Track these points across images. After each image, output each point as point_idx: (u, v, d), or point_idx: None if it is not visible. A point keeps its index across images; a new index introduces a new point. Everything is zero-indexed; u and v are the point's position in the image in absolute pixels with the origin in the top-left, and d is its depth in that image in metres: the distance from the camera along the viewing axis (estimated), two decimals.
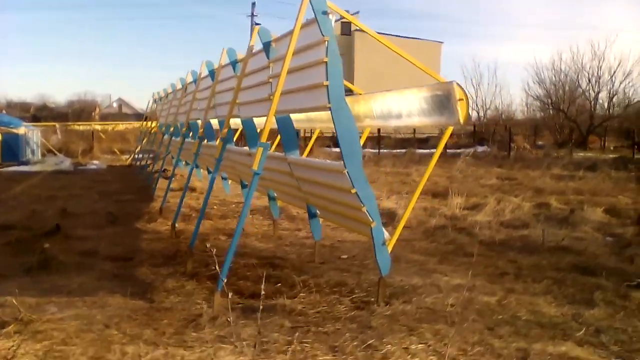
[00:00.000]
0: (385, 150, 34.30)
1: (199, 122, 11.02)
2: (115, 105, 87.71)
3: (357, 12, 51.68)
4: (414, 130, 44.76)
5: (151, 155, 26.72)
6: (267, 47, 7.16)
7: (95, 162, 24.73)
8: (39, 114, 63.08)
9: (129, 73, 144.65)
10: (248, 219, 11.13)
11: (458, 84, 5.63)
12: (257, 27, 7.22)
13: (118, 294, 6.03)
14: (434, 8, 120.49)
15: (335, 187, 6.08)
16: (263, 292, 6.34)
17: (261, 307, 4.67)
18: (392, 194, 14.53)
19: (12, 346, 4.41)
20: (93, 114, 68.23)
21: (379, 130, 41.80)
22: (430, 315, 5.59)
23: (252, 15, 48.72)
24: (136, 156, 26.87)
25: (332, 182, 6.10)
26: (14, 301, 5.09)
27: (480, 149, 36.62)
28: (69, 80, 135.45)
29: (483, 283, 6.88)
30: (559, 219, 11.32)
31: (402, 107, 6.68)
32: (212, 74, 10.20)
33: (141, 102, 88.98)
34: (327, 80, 5.42)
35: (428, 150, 35.22)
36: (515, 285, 6.82)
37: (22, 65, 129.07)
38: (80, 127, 34.86)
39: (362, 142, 8.53)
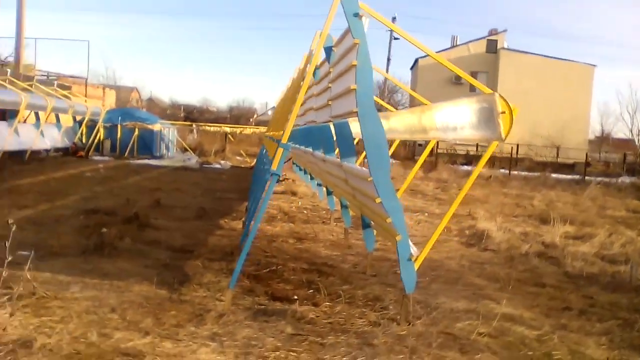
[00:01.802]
0: (517, 172, 32.62)
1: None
2: (270, 112, 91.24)
3: (505, 30, 50.03)
4: (557, 153, 42.43)
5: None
6: (328, 52, 7.02)
7: (222, 162, 25.75)
8: (200, 116, 67.02)
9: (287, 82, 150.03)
10: (328, 227, 11.01)
11: (501, 96, 5.17)
12: (317, 32, 7.08)
13: (147, 282, 6.14)
14: (590, 30, 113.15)
15: (367, 195, 5.81)
16: (295, 298, 6.28)
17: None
18: (498, 215, 13.71)
19: (8, 315, 4.61)
20: (250, 119, 71.43)
21: (517, 148, 40.07)
22: (447, 342, 5.15)
23: (392, 30, 48.58)
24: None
25: (365, 190, 5.84)
26: (28, 276, 5.29)
27: (627, 179, 33.89)
28: (231, 86, 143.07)
29: (535, 315, 6.25)
30: None
31: (457, 119, 6.26)
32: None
33: None
34: (355, 84, 5.19)
35: (570, 177, 33.19)
36: (572, 322, 6.13)
37: (190, 70, 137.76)
38: (212, 128, 36.63)
39: (426, 152, 8.18)
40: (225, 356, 4.42)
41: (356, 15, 5.18)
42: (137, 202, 11.59)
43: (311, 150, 11.66)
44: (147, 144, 26.04)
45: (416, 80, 50.20)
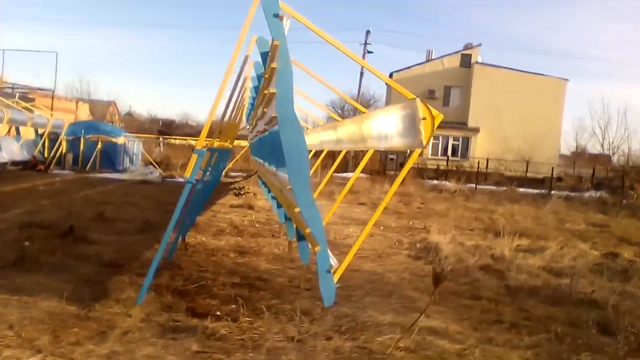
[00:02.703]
0: (485, 187, 32.68)
1: None
2: (248, 127, 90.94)
3: (479, 45, 50.28)
4: (527, 167, 42.64)
5: (244, 174, 27.34)
6: (264, 57, 6.86)
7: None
8: (176, 130, 66.23)
9: None
10: (276, 240, 10.78)
11: (421, 101, 5.01)
12: (254, 37, 6.92)
13: (58, 298, 5.87)
14: (562, 44, 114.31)
15: (292, 204, 5.63)
16: (218, 313, 6.06)
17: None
18: (452, 229, 13.57)
19: None
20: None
21: (487, 162, 40.22)
22: (362, 356, 4.98)
23: (366, 43, 48.63)
24: (231, 174, 27.58)
25: (291, 199, 5.65)
26: None
27: (595, 193, 34.12)
28: (212, 101, 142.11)
29: (462, 329, 6.10)
30: (618, 271, 10.06)
31: (388, 127, 6.11)
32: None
33: None
34: (275, 87, 5.03)
35: (536, 191, 33.29)
36: (501, 336, 5.98)
37: (170, 85, 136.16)
38: (177, 141, 36.29)
39: (363, 163, 8.03)
40: None
41: (276, 15, 5.01)
42: (81, 216, 11.28)
43: (262, 161, 11.50)
44: (110, 157, 25.64)
45: (390, 94, 50.26)
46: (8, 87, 31.11)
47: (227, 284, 7.14)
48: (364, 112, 7.45)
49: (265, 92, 6.64)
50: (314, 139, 9.96)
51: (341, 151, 10.27)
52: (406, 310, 6.63)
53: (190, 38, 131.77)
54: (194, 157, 5.48)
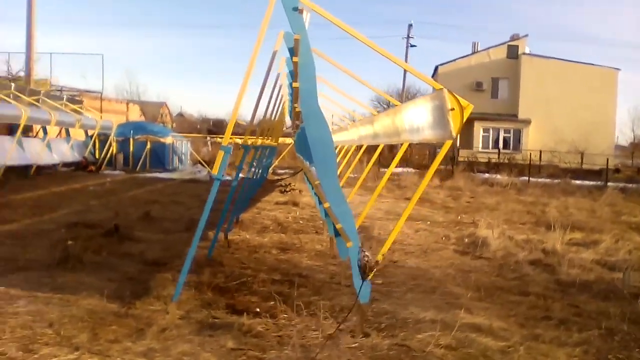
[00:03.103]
0: (539, 179, 31.81)
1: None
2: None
3: (526, 35, 49.06)
4: (582, 159, 41.45)
5: (292, 172, 27.39)
6: (291, 52, 6.80)
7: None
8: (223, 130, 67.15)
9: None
10: (319, 237, 10.70)
11: (449, 91, 4.84)
12: (281, 32, 6.84)
13: (99, 295, 5.92)
14: (611, 33, 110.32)
15: (323, 199, 5.54)
16: (258, 310, 6.02)
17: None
18: (502, 223, 13.23)
19: None
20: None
21: (540, 154, 39.27)
22: (399, 354, 4.84)
23: (408, 37, 48.17)
24: (278, 171, 27.71)
25: (321, 194, 5.57)
26: None
27: None
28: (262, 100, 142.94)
29: (508, 325, 5.89)
30: None
31: (419, 119, 5.95)
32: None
33: None
34: (297, 81, 4.95)
35: (592, 183, 32.27)
36: (548, 333, 5.75)
37: (219, 84, 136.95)
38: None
39: (398, 156, 7.85)
40: None
41: (295, 9, 4.93)
42: (128, 215, 11.45)
43: (302, 157, 11.44)
44: (160, 157, 26.10)
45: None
46: (57, 90, 31.82)
47: (268, 281, 7.09)
48: (396, 105, 7.31)
49: (295, 85, 6.57)
50: (354, 134, 9.85)
51: (380, 145, 10.13)
52: (449, 307, 6.44)
53: (237, 37, 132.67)
54: (221, 153, 5.43)
